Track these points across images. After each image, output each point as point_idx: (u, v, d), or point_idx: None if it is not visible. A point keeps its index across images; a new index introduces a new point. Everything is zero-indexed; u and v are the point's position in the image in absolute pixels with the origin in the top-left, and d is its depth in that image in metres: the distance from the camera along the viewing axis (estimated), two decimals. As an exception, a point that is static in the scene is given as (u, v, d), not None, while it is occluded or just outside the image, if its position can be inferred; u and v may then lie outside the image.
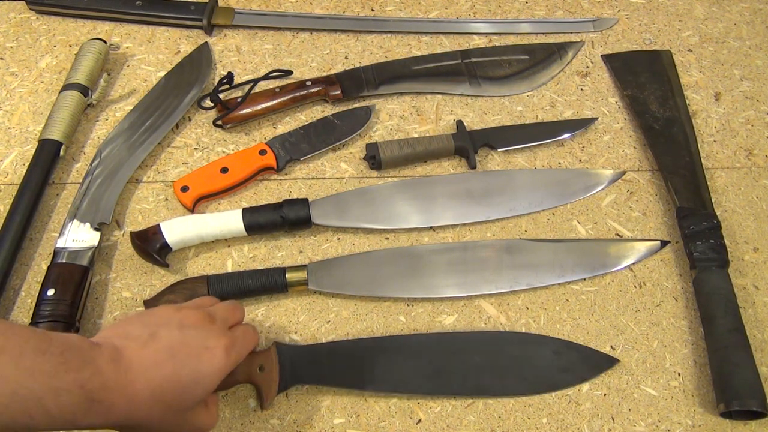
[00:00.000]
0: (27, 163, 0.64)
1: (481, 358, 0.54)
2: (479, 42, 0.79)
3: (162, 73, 0.73)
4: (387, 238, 0.63)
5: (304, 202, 0.62)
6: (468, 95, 0.74)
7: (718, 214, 0.63)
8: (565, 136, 0.70)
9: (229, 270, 0.60)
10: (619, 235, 0.64)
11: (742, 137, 0.72)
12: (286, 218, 0.60)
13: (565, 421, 0.54)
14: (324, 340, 0.57)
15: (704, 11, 0.84)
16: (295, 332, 0.57)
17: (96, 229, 0.60)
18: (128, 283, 0.59)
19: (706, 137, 0.72)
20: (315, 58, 0.76)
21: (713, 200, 0.65)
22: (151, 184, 0.65)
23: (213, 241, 0.62)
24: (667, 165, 0.68)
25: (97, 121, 0.70)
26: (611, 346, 0.58)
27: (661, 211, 0.66)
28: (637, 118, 0.72)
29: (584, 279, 0.61)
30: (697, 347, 0.58)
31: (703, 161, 0.68)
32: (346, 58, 0.76)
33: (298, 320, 0.58)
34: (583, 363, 0.55)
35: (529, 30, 0.80)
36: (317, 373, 0.53)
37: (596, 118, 0.72)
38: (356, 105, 0.72)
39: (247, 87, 0.70)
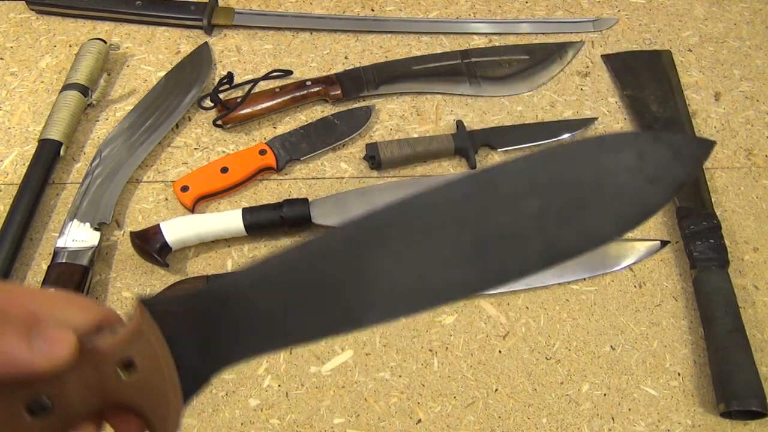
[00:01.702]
0: (27, 163, 0.64)
1: (539, 200, 0.29)
2: (479, 42, 0.79)
3: (162, 73, 0.73)
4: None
5: (304, 202, 0.62)
6: (468, 95, 0.74)
7: (718, 214, 0.63)
8: (565, 136, 0.70)
9: (229, 270, 0.60)
10: (619, 235, 0.64)
11: (742, 137, 0.72)
12: (286, 218, 0.60)
13: (565, 421, 0.54)
14: (324, 341, 0.57)
15: (704, 11, 0.84)
16: (295, 332, 0.57)
17: (96, 229, 0.60)
18: (128, 283, 0.59)
19: (706, 137, 0.72)
20: (315, 58, 0.76)
21: (713, 200, 0.65)
22: (151, 184, 0.65)
23: (213, 241, 0.62)
24: (667, 165, 0.68)
25: (97, 121, 0.70)
26: (611, 346, 0.58)
27: (661, 211, 0.66)
28: (637, 118, 0.72)
29: (584, 279, 0.61)
30: (697, 347, 0.58)
31: (703, 161, 0.68)
32: (346, 58, 0.76)
33: (298, 320, 0.58)
34: (675, 161, 0.33)
35: (529, 30, 0.80)
36: (259, 330, 0.26)
37: (596, 118, 0.72)
38: (356, 105, 0.72)
39: (247, 87, 0.70)
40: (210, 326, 0.25)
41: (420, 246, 0.27)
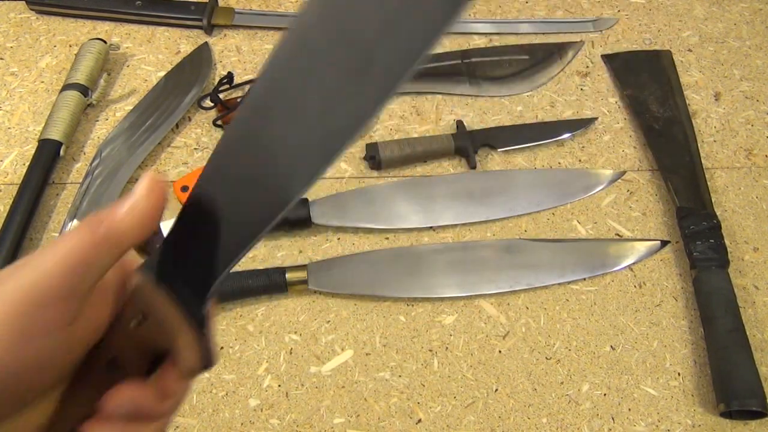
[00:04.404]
0: (27, 163, 0.64)
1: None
2: (479, 42, 0.79)
3: (162, 73, 0.73)
4: (387, 238, 0.63)
5: (304, 201, 0.62)
6: (468, 95, 0.74)
7: (718, 214, 0.63)
8: (565, 136, 0.70)
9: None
10: (619, 235, 0.64)
11: (742, 137, 0.72)
12: (286, 218, 0.60)
13: (565, 421, 0.54)
14: (324, 341, 0.57)
15: (704, 11, 0.84)
16: (295, 332, 0.57)
17: (96, 229, 0.60)
18: (128, 283, 0.59)
19: (706, 137, 0.72)
20: (315, 58, 0.76)
21: (713, 200, 0.65)
22: (151, 184, 0.65)
23: (213, 241, 0.61)
24: (667, 165, 0.68)
25: (97, 121, 0.70)
26: (611, 346, 0.58)
27: (661, 211, 0.66)
28: (637, 118, 0.72)
29: (584, 279, 0.61)
30: (697, 347, 0.58)
31: (703, 161, 0.68)
32: (346, 58, 0.76)
33: (298, 320, 0.58)
34: None
35: (529, 30, 0.80)
36: (221, 245, 0.27)
37: (596, 118, 0.72)
38: (356, 105, 0.72)
39: (247, 87, 0.70)
40: (188, 262, 0.27)
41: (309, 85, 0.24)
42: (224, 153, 0.26)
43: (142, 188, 0.27)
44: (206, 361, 0.26)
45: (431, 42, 0.22)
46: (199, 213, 0.27)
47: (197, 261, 0.27)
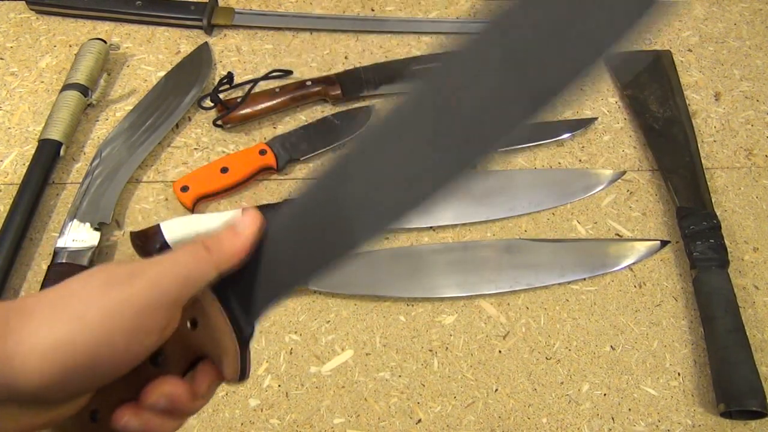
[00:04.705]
0: (27, 163, 0.64)
1: (498, 68, 0.27)
2: (479, 42, 0.79)
3: (162, 73, 0.73)
4: (387, 238, 0.63)
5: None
6: (468, 95, 0.73)
7: (718, 214, 0.63)
8: (565, 135, 0.70)
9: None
10: (619, 235, 0.64)
11: (742, 137, 0.72)
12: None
13: (565, 421, 0.54)
14: (324, 341, 0.57)
15: (704, 11, 0.84)
16: (295, 332, 0.57)
17: (96, 229, 0.60)
18: (128, 283, 0.59)
19: (706, 137, 0.72)
20: (315, 58, 0.76)
21: (713, 200, 0.65)
22: (151, 184, 0.65)
23: (213, 241, 0.61)
24: (667, 165, 0.68)
25: (97, 121, 0.70)
26: (611, 346, 0.58)
27: (661, 211, 0.66)
28: (637, 118, 0.72)
29: (584, 279, 0.61)
30: (697, 347, 0.58)
31: (703, 161, 0.68)
32: (346, 58, 0.76)
33: (298, 320, 0.58)
34: None
35: (529, 30, 0.80)
36: (279, 279, 0.30)
37: (596, 118, 0.72)
38: (356, 105, 0.72)
39: (247, 87, 0.70)
40: (245, 284, 0.29)
41: (390, 156, 0.27)
42: (303, 201, 0.29)
43: (245, 224, 0.29)
44: (242, 374, 0.29)
45: (507, 136, 0.27)
46: (265, 249, 0.29)
47: (256, 287, 0.29)
